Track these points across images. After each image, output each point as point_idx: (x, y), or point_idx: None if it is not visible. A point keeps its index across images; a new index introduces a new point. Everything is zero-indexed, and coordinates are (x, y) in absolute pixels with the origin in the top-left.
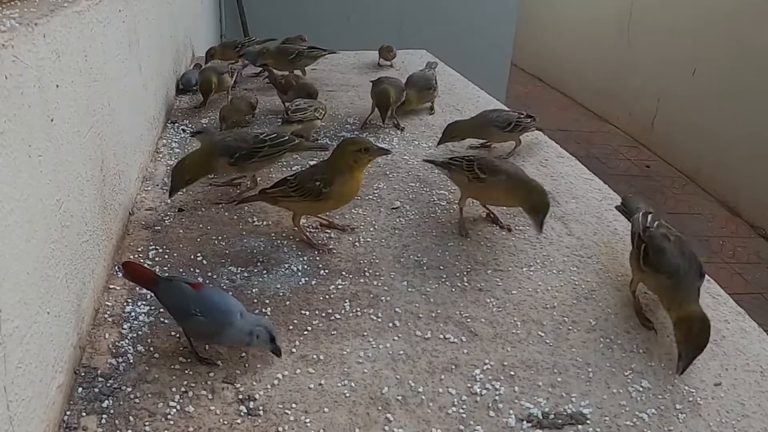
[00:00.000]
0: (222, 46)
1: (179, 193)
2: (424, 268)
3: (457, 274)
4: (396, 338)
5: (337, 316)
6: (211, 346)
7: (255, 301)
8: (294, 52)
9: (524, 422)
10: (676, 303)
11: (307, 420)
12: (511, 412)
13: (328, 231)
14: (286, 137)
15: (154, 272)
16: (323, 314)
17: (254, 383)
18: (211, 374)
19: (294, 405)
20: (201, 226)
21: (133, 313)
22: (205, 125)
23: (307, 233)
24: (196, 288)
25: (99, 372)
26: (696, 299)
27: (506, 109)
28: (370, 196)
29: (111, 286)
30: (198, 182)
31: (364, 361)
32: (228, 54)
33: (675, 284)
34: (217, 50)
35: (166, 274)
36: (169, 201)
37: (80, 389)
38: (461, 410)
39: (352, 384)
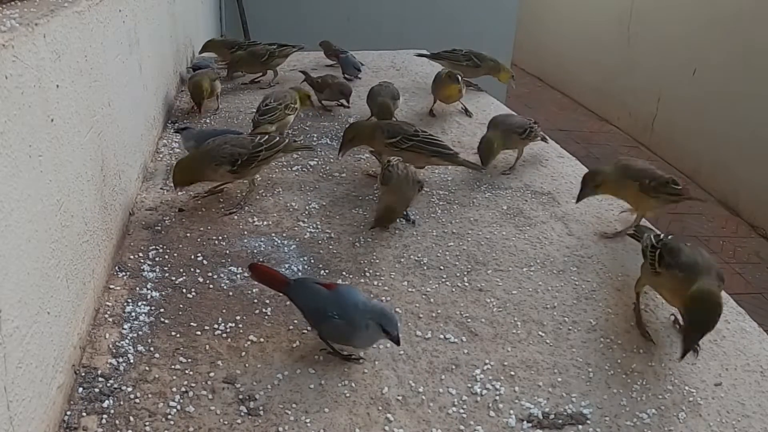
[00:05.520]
0: (221, 44)
1: (180, 192)
2: (424, 268)
3: (457, 274)
4: None
5: None
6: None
7: (255, 301)
8: (266, 53)
9: (524, 422)
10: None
11: (307, 420)
12: (512, 412)
13: (328, 231)
14: (277, 138)
15: (283, 274)
16: None
17: (254, 383)
18: (212, 374)
19: (294, 405)
20: (201, 226)
21: (133, 313)
22: (187, 123)
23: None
24: (329, 289)
25: (99, 372)
26: (714, 286)
27: (513, 113)
28: (371, 197)
29: (111, 286)
30: (197, 185)
31: (364, 361)
32: (223, 53)
33: (692, 277)
34: (215, 46)
35: (298, 275)
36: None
37: (80, 389)
38: (461, 410)
39: (352, 384)
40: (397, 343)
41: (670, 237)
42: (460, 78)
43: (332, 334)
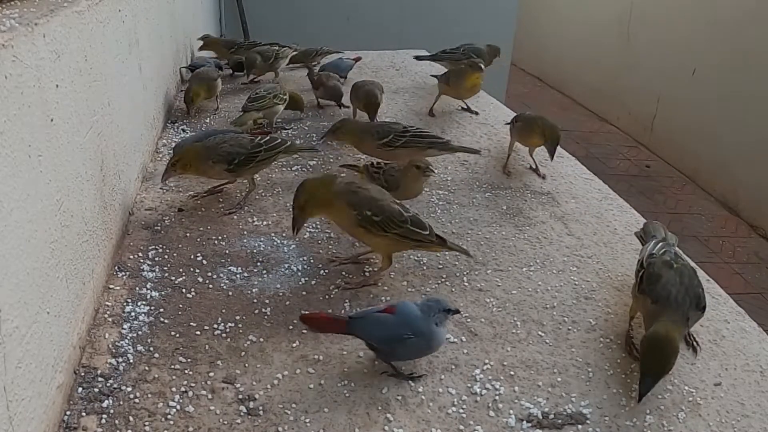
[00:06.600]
0: (222, 44)
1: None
2: (424, 268)
3: (457, 274)
4: None
5: None
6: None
7: (255, 301)
8: (272, 55)
9: (524, 422)
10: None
11: (307, 420)
12: (511, 412)
13: (328, 231)
14: (279, 140)
15: (339, 316)
16: None
17: (254, 383)
18: (211, 374)
19: (294, 405)
20: (201, 226)
21: (133, 313)
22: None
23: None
24: (392, 312)
25: (99, 372)
26: (675, 324)
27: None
28: None
29: (111, 286)
30: (197, 185)
31: (364, 361)
32: (222, 52)
33: (660, 310)
34: (212, 44)
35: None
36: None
37: (80, 389)
38: (461, 410)
39: (352, 384)
40: (458, 311)
41: (663, 251)
42: (482, 65)
43: (410, 353)
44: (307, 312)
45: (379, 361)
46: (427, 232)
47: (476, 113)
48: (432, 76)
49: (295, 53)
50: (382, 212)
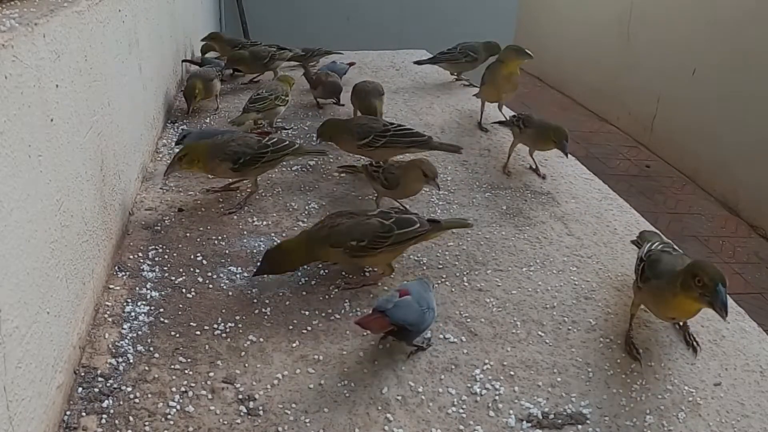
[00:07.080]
0: (224, 43)
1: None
2: (424, 268)
3: (457, 274)
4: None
5: (337, 316)
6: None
7: (255, 301)
8: (268, 56)
9: (524, 422)
10: (670, 294)
11: (307, 420)
12: (511, 412)
13: None
14: (287, 142)
15: (381, 311)
16: (323, 314)
17: (254, 383)
18: (211, 374)
19: (294, 405)
20: (201, 226)
21: (133, 313)
22: (188, 130)
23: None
24: (406, 294)
25: (99, 372)
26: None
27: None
28: (370, 197)
29: (111, 286)
30: (197, 185)
31: (363, 361)
32: (225, 52)
33: (667, 282)
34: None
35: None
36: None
37: (80, 389)
38: (461, 410)
39: (352, 384)
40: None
41: (660, 246)
42: (525, 50)
43: (426, 325)
44: (358, 318)
45: (379, 361)
46: (417, 225)
47: (485, 130)
48: (465, 85)
49: (294, 54)
50: (365, 235)
